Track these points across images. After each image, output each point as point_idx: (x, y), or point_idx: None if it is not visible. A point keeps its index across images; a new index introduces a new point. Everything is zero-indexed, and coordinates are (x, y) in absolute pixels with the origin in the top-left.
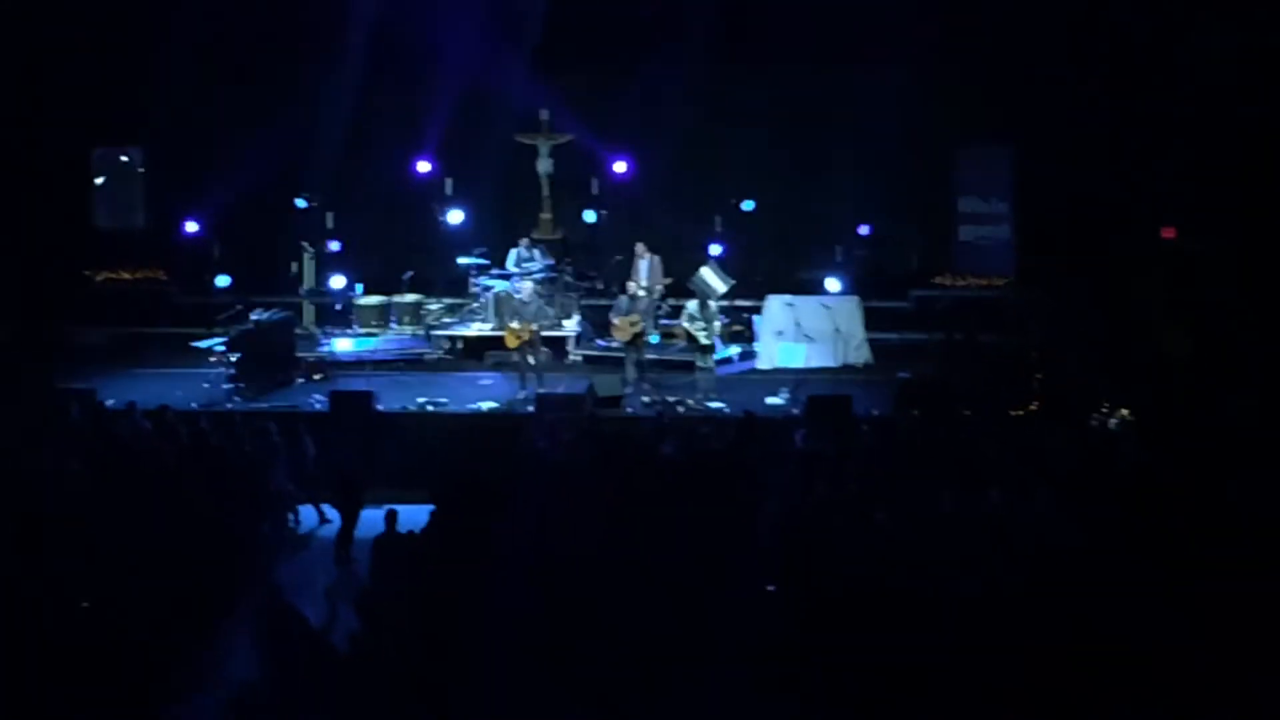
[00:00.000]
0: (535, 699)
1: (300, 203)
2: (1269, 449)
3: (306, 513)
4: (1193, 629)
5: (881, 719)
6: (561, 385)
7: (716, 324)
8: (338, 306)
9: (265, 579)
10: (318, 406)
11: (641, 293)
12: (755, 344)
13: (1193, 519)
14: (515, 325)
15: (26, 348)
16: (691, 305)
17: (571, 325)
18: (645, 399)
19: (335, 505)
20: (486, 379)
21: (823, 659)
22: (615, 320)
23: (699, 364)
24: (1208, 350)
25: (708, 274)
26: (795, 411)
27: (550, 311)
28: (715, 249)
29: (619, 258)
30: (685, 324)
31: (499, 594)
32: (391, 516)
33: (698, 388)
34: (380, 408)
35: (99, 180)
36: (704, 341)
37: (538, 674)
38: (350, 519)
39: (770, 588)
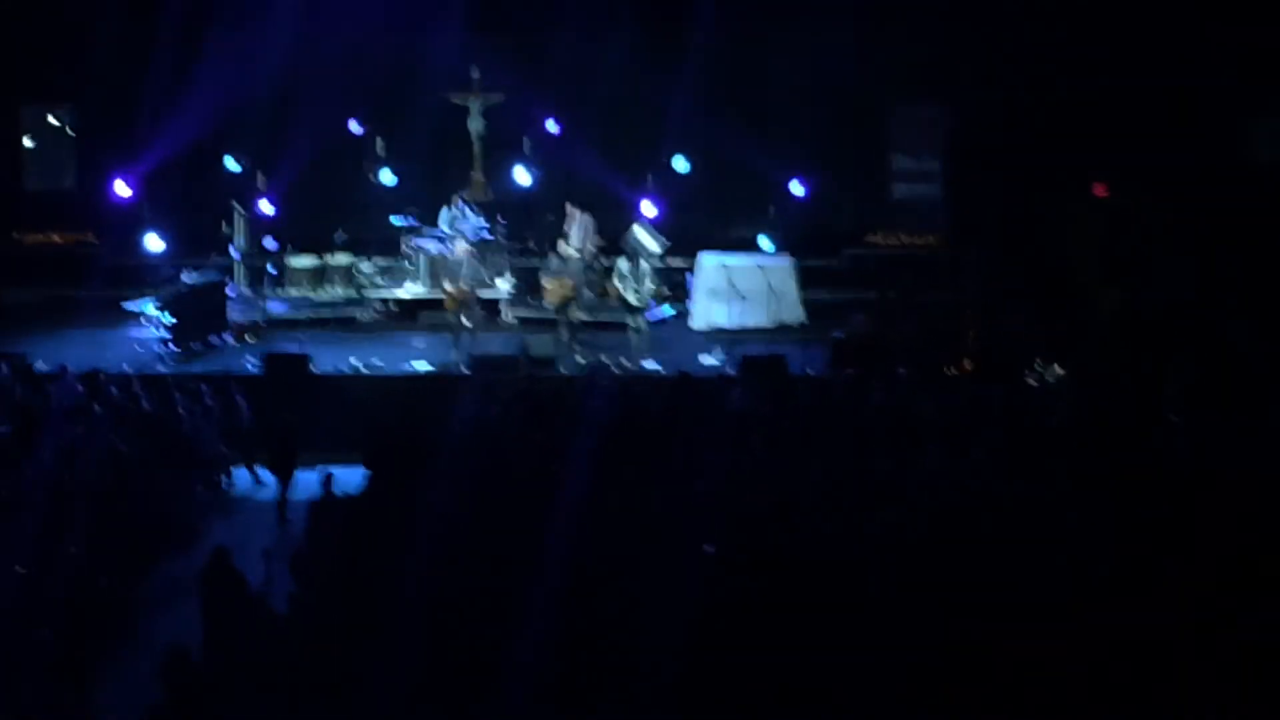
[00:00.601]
0: (467, 658)
1: (231, 163)
2: (1202, 401)
3: (240, 475)
4: (1128, 583)
5: (820, 679)
6: (495, 346)
7: (648, 282)
8: (270, 268)
9: (195, 543)
10: (251, 368)
11: (573, 253)
12: (689, 303)
13: (1126, 474)
14: (449, 286)
15: None
16: (621, 264)
17: (504, 286)
18: (579, 359)
19: (270, 467)
20: (420, 340)
21: (761, 619)
22: (545, 282)
23: (630, 324)
24: (1139, 305)
25: (640, 233)
26: (730, 371)
27: (484, 272)
28: (648, 207)
29: (551, 218)
30: (616, 283)
31: (432, 555)
32: (328, 479)
33: (630, 348)
34: (314, 369)
35: (28, 142)
36: (633, 302)
37: (470, 634)
38: (285, 481)
39: (708, 548)
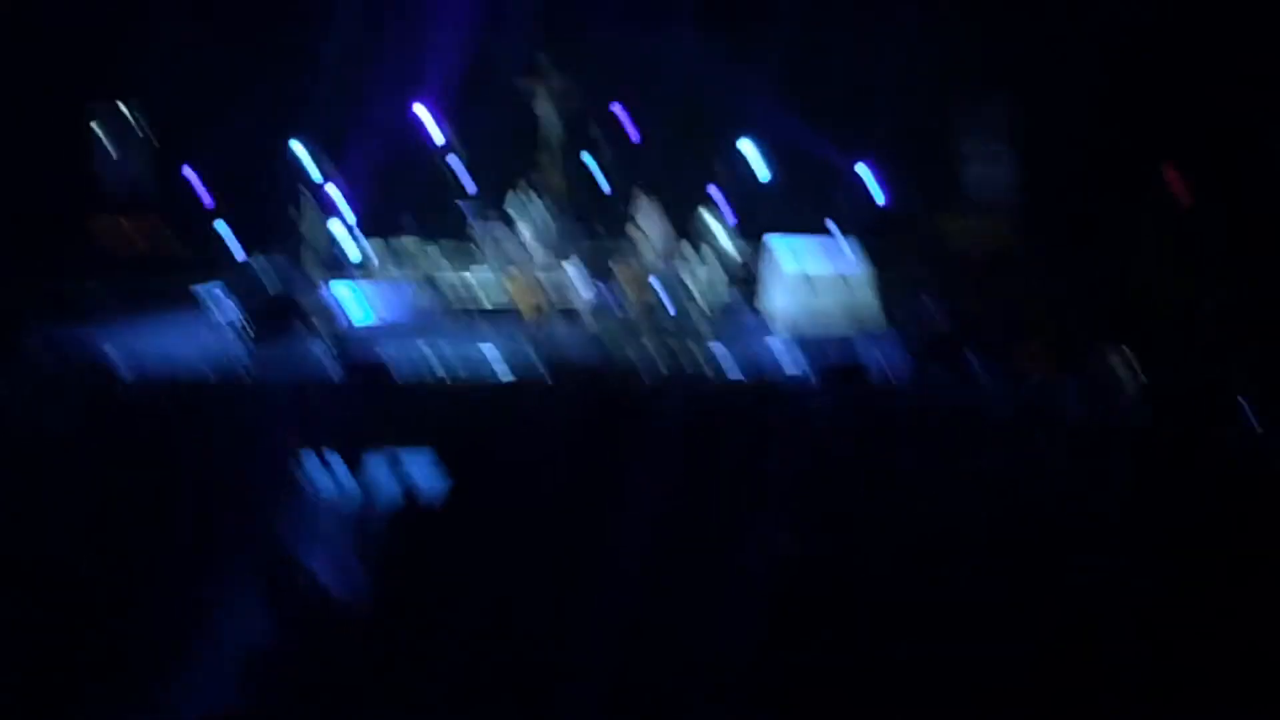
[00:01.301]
0: (541, 660)
1: (298, 149)
2: (1273, 398)
3: (314, 469)
4: (1196, 582)
5: (904, 678)
6: (564, 334)
7: (715, 274)
8: (338, 253)
9: (269, 537)
10: (324, 358)
11: (644, 240)
12: (762, 301)
13: (1199, 470)
14: (517, 273)
15: (26, 302)
16: (688, 253)
17: (573, 273)
18: (651, 351)
19: (344, 461)
20: (489, 328)
21: (839, 622)
22: (617, 269)
23: (693, 315)
24: (1214, 299)
25: (708, 220)
26: (806, 371)
27: (552, 259)
28: (718, 196)
29: (620, 205)
30: (683, 274)
31: (507, 555)
32: (404, 476)
33: (694, 337)
34: (389, 361)
35: (98, 132)
36: (696, 291)
37: (544, 636)
38: (360, 478)
39: (785, 552)
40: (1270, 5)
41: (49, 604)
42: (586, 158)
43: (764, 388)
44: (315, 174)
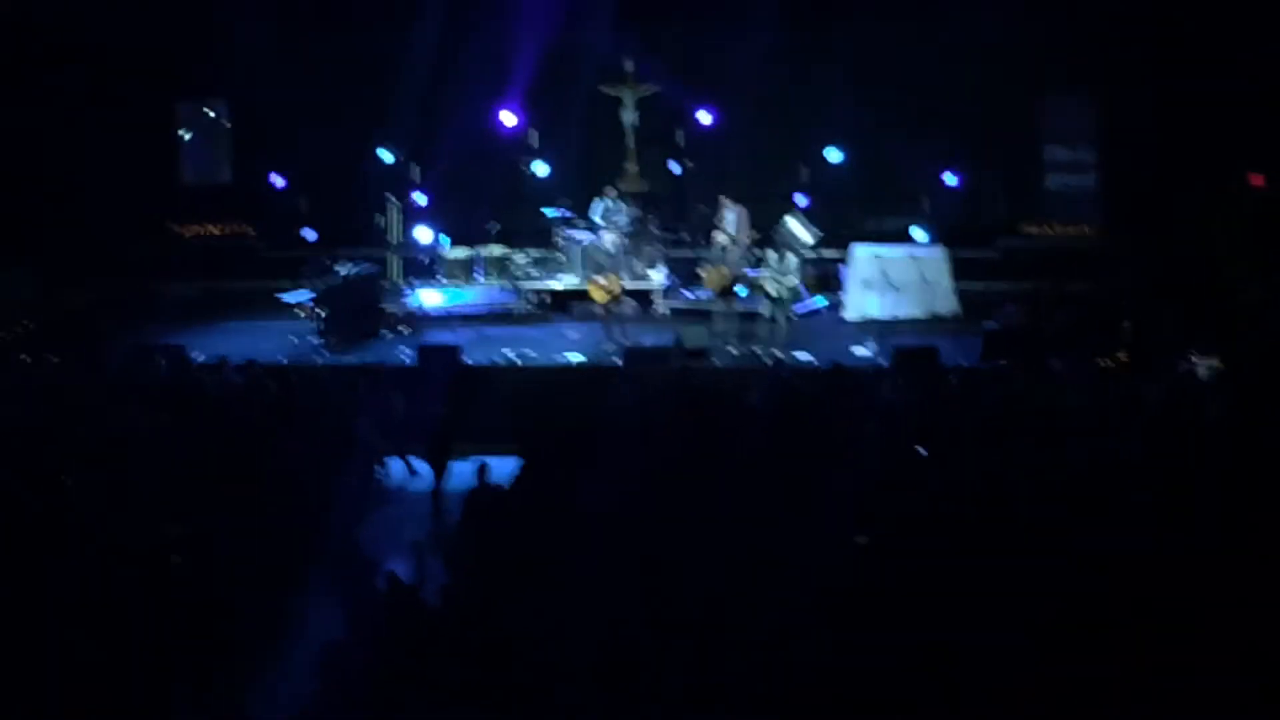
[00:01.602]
0: (623, 651)
1: (385, 155)
2: None
3: (395, 466)
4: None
5: (967, 671)
6: (648, 338)
7: (792, 278)
8: (424, 260)
9: (349, 534)
10: (405, 360)
11: (730, 243)
12: (842, 294)
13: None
14: (600, 278)
15: (115, 304)
16: (770, 256)
17: (657, 277)
18: (732, 351)
19: (425, 458)
20: (573, 332)
21: (911, 609)
22: (705, 272)
23: (763, 313)
24: None
25: (793, 224)
26: (882, 362)
27: (635, 263)
28: (800, 200)
29: (704, 209)
30: (762, 273)
31: (585, 546)
32: (483, 469)
33: (764, 338)
34: (467, 361)
35: (185, 135)
36: (772, 294)
37: (625, 626)
38: (440, 473)
39: (861, 539)
40: None
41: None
42: (672, 164)
43: (835, 372)
44: (403, 182)
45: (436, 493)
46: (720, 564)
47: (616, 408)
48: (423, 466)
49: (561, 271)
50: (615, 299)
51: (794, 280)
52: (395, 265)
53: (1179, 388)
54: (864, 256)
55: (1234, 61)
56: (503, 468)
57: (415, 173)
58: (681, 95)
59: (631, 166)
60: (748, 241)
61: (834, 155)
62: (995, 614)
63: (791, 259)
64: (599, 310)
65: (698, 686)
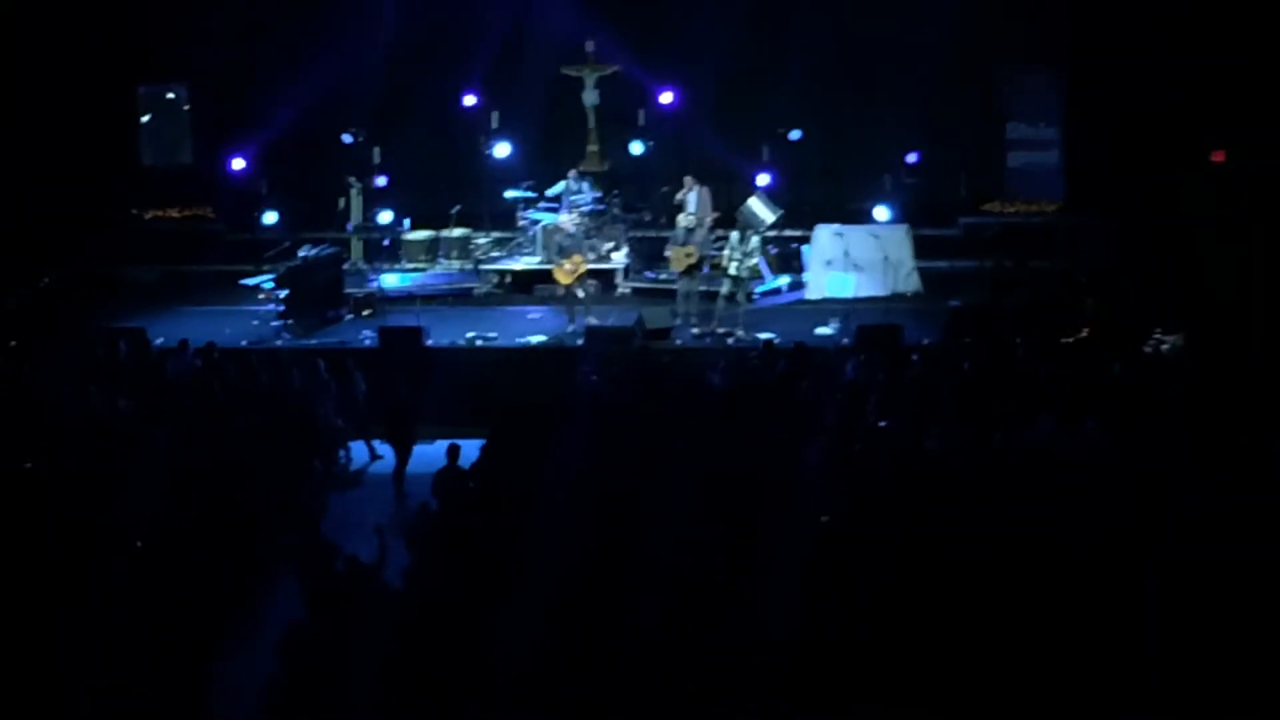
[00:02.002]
0: (584, 631)
1: (346, 138)
2: None
3: (358, 449)
4: (1244, 556)
5: (930, 648)
6: (610, 318)
7: (753, 260)
8: (385, 242)
9: (311, 517)
10: (367, 343)
11: (695, 224)
12: (804, 274)
13: (1245, 445)
14: (563, 259)
15: (75, 287)
16: (732, 236)
17: (620, 257)
18: (694, 330)
19: (388, 440)
20: (535, 313)
21: (874, 587)
22: (669, 251)
23: (721, 293)
24: (1258, 274)
25: (755, 204)
26: (845, 341)
27: (598, 244)
28: (763, 179)
29: (666, 189)
30: (725, 253)
31: (549, 526)
32: (454, 450)
33: (723, 318)
34: (430, 343)
35: (145, 118)
36: (733, 273)
37: (587, 606)
38: (402, 456)
39: (823, 518)
40: None
41: (100, 575)
42: (634, 144)
43: (798, 352)
44: (364, 164)
45: (399, 475)
46: (681, 541)
47: (578, 388)
48: (386, 449)
49: (523, 253)
50: (579, 279)
51: (755, 259)
52: (356, 247)
53: (1142, 365)
54: (825, 235)
55: (1194, 38)
56: (465, 450)
57: (376, 155)
58: (642, 75)
59: (593, 147)
60: (710, 221)
61: (796, 134)
62: (961, 596)
63: (754, 238)
64: (560, 290)
65: (657, 664)
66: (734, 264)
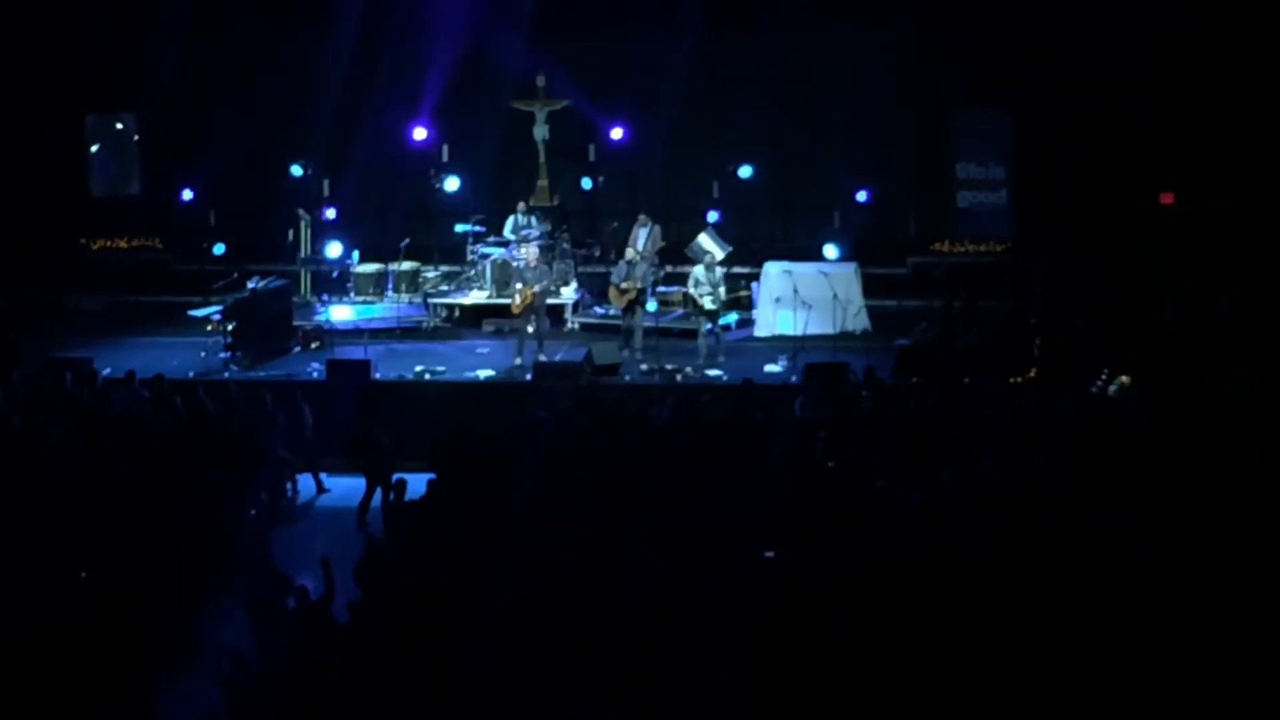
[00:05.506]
0: (534, 665)
1: (296, 170)
2: (1267, 415)
3: (304, 482)
4: (1193, 591)
5: (882, 683)
6: (559, 353)
7: (722, 290)
8: (334, 274)
9: (259, 549)
10: (315, 375)
11: (638, 259)
12: (754, 311)
13: (1192, 484)
14: (513, 294)
15: (22, 316)
16: (699, 270)
17: (569, 293)
18: (643, 367)
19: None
20: (484, 347)
21: (820, 624)
22: (612, 286)
23: (701, 330)
24: (1206, 315)
25: (705, 240)
26: (794, 379)
27: (548, 279)
28: (712, 216)
29: (616, 224)
30: (691, 289)
31: (497, 561)
32: (401, 485)
33: (701, 354)
34: (378, 376)
35: (94, 148)
36: (709, 307)
37: (536, 641)
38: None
39: (768, 554)
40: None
41: (44, 605)
42: (584, 179)
43: (746, 389)
44: (313, 196)
45: (364, 507)
46: (629, 578)
47: (526, 423)
48: (334, 483)
49: (472, 287)
50: (527, 312)
51: (723, 293)
52: (305, 280)
53: (1089, 404)
54: (775, 272)
55: (1144, 81)
56: (413, 484)
57: (325, 187)
58: (593, 111)
59: (543, 182)
60: (655, 257)
61: (745, 171)
62: (908, 631)
63: (719, 271)
64: (511, 325)
65: (608, 697)
66: (707, 299)
